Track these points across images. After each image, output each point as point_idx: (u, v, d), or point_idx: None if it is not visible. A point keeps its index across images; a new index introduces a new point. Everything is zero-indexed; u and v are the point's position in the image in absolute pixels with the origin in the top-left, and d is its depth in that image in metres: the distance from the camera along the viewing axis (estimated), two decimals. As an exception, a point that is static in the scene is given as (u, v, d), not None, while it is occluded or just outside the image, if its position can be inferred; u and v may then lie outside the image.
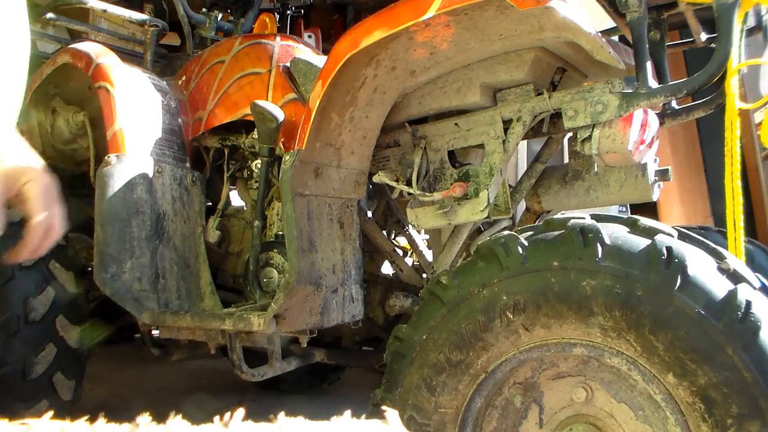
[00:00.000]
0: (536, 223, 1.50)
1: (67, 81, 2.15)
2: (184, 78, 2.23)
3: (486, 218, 1.69)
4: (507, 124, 1.71)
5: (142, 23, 2.39)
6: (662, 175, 1.83)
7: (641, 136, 1.59)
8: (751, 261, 2.03)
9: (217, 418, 0.51)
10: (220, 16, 2.53)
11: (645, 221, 1.30)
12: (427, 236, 2.57)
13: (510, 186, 1.91)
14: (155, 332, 2.06)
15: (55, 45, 2.80)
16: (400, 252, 2.23)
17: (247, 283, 1.94)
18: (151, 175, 1.94)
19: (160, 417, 0.54)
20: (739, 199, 1.56)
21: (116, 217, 1.84)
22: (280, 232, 1.96)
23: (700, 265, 1.19)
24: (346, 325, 1.97)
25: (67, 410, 1.92)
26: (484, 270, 1.35)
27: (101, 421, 0.54)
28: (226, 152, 2.13)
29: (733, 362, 1.12)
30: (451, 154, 1.84)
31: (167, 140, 2.03)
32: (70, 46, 2.10)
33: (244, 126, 2.07)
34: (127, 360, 3.59)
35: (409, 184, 1.82)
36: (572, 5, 1.43)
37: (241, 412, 0.51)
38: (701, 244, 1.26)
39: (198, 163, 2.18)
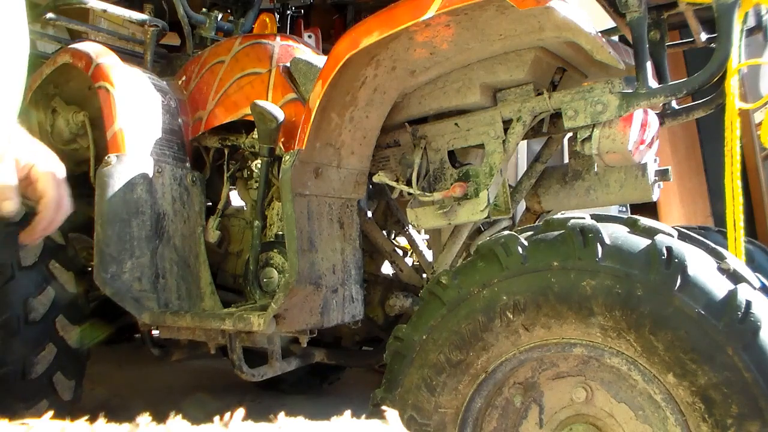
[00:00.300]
0: (536, 223, 1.49)
1: (67, 81, 2.15)
2: (184, 78, 2.23)
3: (486, 218, 1.69)
4: (507, 124, 1.71)
5: (142, 23, 2.39)
6: (662, 175, 1.83)
7: (641, 136, 1.59)
8: (751, 261, 2.02)
9: (217, 418, 0.51)
10: (220, 16, 2.52)
11: (645, 221, 1.30)
12: (427, 236, 2.57)
13: (510, 186, 1.90)
14: (155, 332, 2.06)
15: (55, 45, 2.81)
16: (400, 252, 2.23)
17: (247, 283, 1.95)
18: (151, 175, 1.94)
19: (160, 417, 0.54)
20: (739, 199, 1.56)
21: (116, 217, 1.84)
22: (280, 232, 1.96)
23: (700, 265, 1.19)
24: (346, 325, 1.97)
25: (67, 410, 1.91)
26: (484, 270, 1.34)
27: (101, 421, 0.54)
28: (226, 152, 2.13)
29: (733, 362, 1.12)
30: (451, 154, 1.84)
31: (167, 140, 2.03)
32: (70, 46, 2.10)
33: (244, 126, 2.07)
34: (127, 360, 3.59)
35: (409, 184, 1.82)
36: (572, 5, 1.43)
37: (241, 412, 0.51)
38: (701, 244, 1.26)
39: (198, 163, 2.18)
